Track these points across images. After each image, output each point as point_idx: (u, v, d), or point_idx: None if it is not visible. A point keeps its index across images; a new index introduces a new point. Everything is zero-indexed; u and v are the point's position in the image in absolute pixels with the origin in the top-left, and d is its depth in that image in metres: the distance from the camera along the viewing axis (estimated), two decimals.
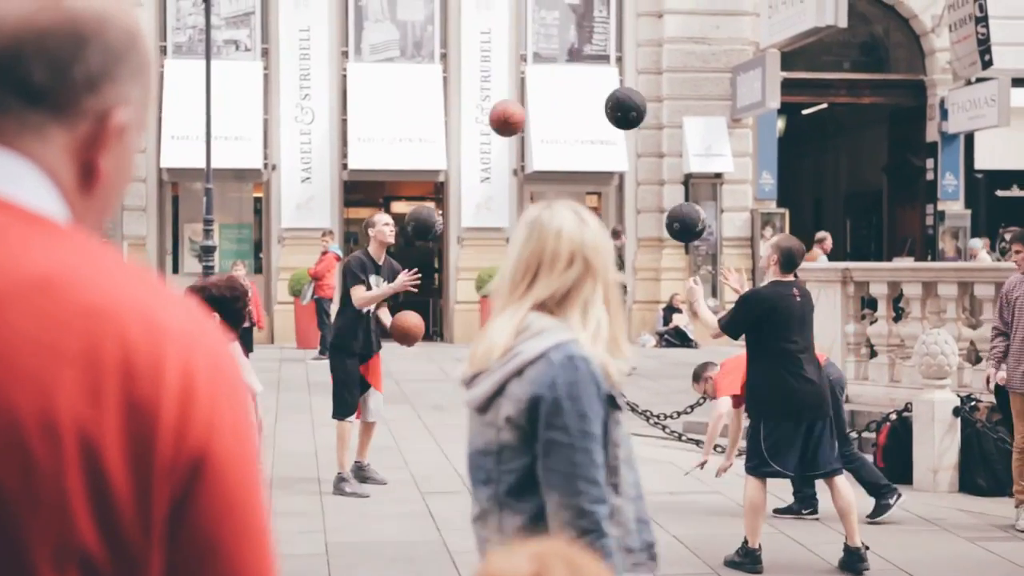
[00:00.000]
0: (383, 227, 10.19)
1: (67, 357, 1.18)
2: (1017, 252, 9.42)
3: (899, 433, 10.78)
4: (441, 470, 10.86)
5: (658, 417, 12.67)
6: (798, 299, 8.17)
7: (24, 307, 1.19)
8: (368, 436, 10.44)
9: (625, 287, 20.34)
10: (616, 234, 21.63)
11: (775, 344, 8.04)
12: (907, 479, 10.57)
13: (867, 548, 8.01)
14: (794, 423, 8.02)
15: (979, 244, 22.13)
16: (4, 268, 1.20)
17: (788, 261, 8.20)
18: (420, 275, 10.15)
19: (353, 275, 10.06)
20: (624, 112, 9.87)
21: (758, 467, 8.11)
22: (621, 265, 20.60)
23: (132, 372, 1.20)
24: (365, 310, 10.05)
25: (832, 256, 25.75)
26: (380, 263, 10.15)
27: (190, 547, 1.23)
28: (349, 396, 10.11)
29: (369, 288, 10.00)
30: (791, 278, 8.25)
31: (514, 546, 1.52)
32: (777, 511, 9.38)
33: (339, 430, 10.16)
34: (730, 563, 8.09)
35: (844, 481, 8.17)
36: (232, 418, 1.26)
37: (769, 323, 8.04)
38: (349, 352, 10.08)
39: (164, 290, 1.28)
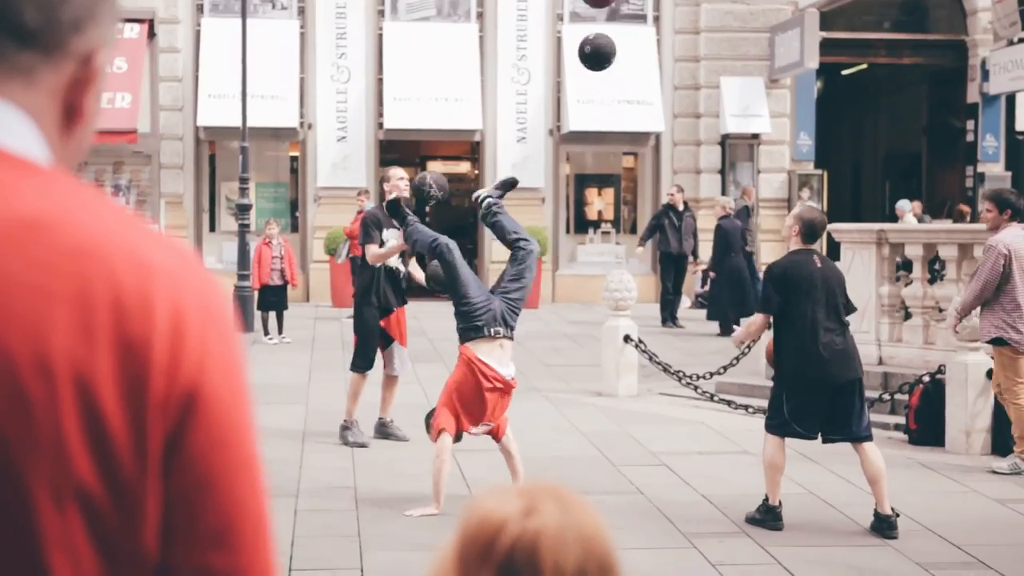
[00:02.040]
0: (398, 181, 10.28)
1: (58, 298, 1.20)
2: (988, 211, 9.86)
3: (932, 395, 10.73)
4: None
5: (690, 378, 12.66)
6: (819, 265, 8.21)
7: (14, 250, 1.21)
8: (391, 391, 10.55)
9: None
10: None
11: (798, 310, 8.08)
12: (940, 441, 10.54)
13: (898, 515, 7.99)
14: (818, 387, 8.02)
15: (907, 206, 21.76)
16: None
17: (810, 232, 8.26)
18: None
19: (366, 232, 10.27)
20: (600, 63, 9.72)
21: (779, 426, 8.13)
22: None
23: (123, 310, 1.22)
24: (380, 264, 10.15)
25: (870, 218, 25.61)
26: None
27: (185, 481, 1.25)
28: (367, 350, 10.31)
29: (382, 244, 10.14)
30: (812, 247, 8.30)
31: (503, 487, 1.53)
32: None
33: (353, 381, 10.41)
34: (751, 520, 8.12)
35: (874, 447, 8.15)
36: (223, 354, 1.28)
37: (793, 291, 8.08)
38: (369, 305, 10.24)
39: (151, 231, 1.30)
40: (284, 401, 12.01)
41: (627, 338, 12.91)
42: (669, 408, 12.44)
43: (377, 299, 10.24)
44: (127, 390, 1.22)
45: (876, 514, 8.01)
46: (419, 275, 10.30)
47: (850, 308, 8.36)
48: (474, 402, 8.23)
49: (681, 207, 19.59)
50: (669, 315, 19.34)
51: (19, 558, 1.20)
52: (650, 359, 12.90)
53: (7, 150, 1.27)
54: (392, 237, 10.17)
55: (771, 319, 8.22)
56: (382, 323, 10.33)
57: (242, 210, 18.52)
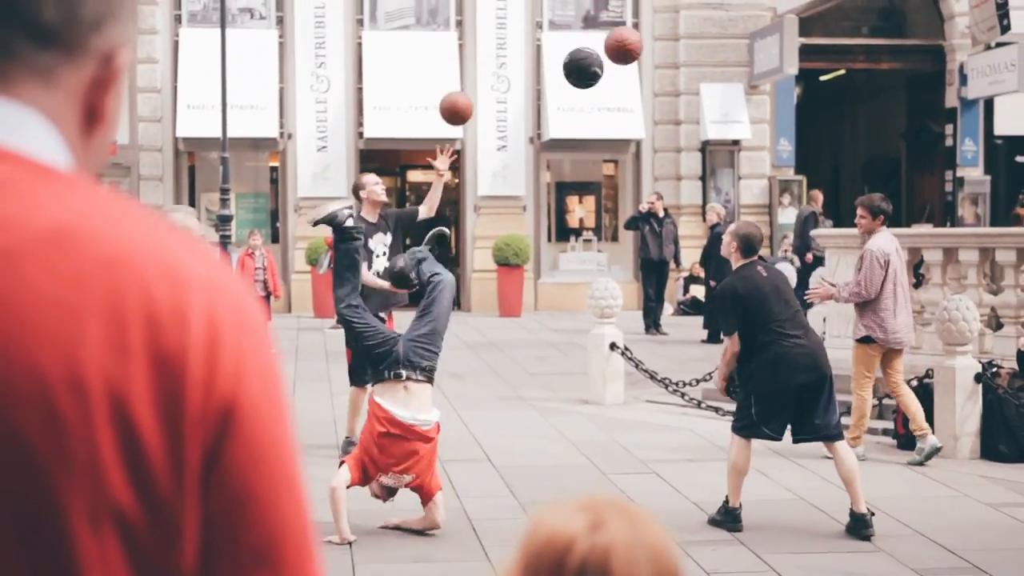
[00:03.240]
0: (374, 187, 10.28)
1: (89, 312, 1.15)
2: (862, 217, 10.24)
3: (920, 399, 10.72)
4: (461, 438, 10.85)
5: (676, 385, 12.64)
6: (765, 275, 8.30)
7: (40, 263, 1.15)
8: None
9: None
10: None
11: (756, 323, 8.15)
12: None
13: (872, 514, 8.01)
14: (786, 389, 8.05)
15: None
16: (15, 223, 1.16)
17: (748, 246, 8.33)
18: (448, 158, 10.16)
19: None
20: (586, 78, 9.49)
21: (745, 428, 8.17)
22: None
23: (156, 323, 1.17)
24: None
25: (849, 223, 25.66)
26: (375, 222, 10.21)
27: (224, 498, 1.20)
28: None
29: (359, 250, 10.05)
30: (753, 260, 8.35)
31: (563, 502, 1.49)
32: None
33: (353, 396, 10.24)
34: (712, 521, 8.18)
35: (846, 447, 8.18)
36: (259, 366, 1.23)
37: (748, 307, 8.15)
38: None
39: (180, 237, 1.24)
40: None
41: (613, 346, 12.88)
42: (656, 415, 12.41)
43: (371, 307, 10.15)
44: (163, 406, 1.17)
45: (852, 514, 8.04)
46: (372, 281, 10.09)
47: (804, 308, 8.51)
48: (373, 447, 7.67)
49: (661, 214, 19.57)
50: (652, 322, 19.32)
51: None
52: (636, 367, 12.87)
53: (27, 156, 1.21)
54: (380, 243, 10.12)
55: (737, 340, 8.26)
56: None
57: (223, 221, 18.45)
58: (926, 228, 21.64)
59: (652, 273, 19.55)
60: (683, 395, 12.55)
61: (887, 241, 10.25)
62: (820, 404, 8.12)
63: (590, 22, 24.07)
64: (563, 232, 24.42)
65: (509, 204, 23.51)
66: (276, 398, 1.24)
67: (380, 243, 10.15)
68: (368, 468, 7.72)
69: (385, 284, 9.83)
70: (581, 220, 24.55)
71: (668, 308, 22.37)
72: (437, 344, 8.15)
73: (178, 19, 23.10)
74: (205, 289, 1.20)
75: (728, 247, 8.44)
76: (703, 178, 23.92)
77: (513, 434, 11.28)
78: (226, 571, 1.21)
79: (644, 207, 19.83)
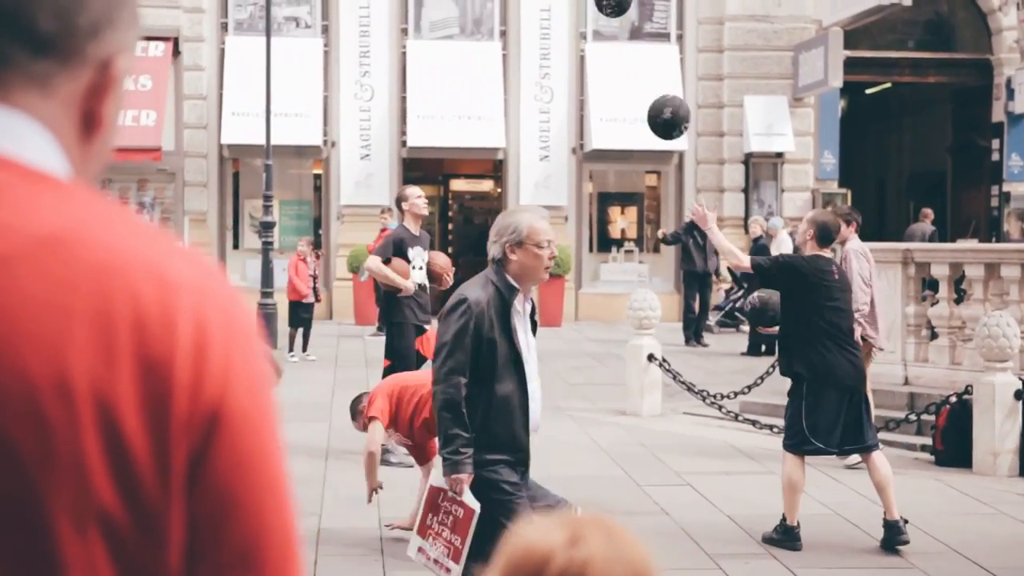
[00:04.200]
0: (416, 200, 10.37)
1: (78, 317, 1.17)
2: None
3: (959, 416, 10.65)
4: None
5: (715, 397, 12.60)
6: (836, 276, 8.21)
7: (33, 268, 1.17)
8: None
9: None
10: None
11: (814, 319, 8.05)
12: (966, 462, 10.44)
13: (906, 521, 7.96)
14: (836, 398, 8.00)
15: (779, 224, 20.89)
16: (11, 228, 1.18)
17: (825, 234, 8.21)
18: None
19: (381, 246, 10.39)
20: (671, 129, 9.59)
21: (798, 445, 8.09)
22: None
23: (145, 329, 1.18)
24: (416, 284, 10.15)
25: (894, 236, 25.47)
26: (417, 235, 10.35)
27: (209, 502, 1.22)
28: (405, 371, 10.18)
29: (387, 261, 10.16)
30: (829, 253, 8.26)
31: (544, 517, 1.49)
32: None
33: None
34: (768, 540, 8.09)
35: (881, 456, 8.14)
36: (247, 371, 1.24)
37: (808, 296, 8.05)
38: (407, 326, 10.22)
39: (174, 245, 1.26)
40: (307, 419, 11.99)
41: (651, 357, 12.85)
42: (693, 427, 12.37)
43: (416, 318, 10.22)
44: (149, 410, 1.18)
45: (885, 522, 8.00)
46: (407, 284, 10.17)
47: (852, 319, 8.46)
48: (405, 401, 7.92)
49: None
50: (692, 334, 19.26)
51: None
52: (674, 378, 12.84)
53: (24, 163, 1.23)
54: (419, 256, 10.22)
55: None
56: (416, 341, 10.31)
57: (265, 228, 18.55)
58: (971, 243, 21.44)
59: (695, 285, 19.50)
60: (720, 407, 12.50)
61: (860, 244, 10.68)
62: (863, 414, 8.10)
63: (634, 33, 24.07)
64: (605, 243, 24.40)
65: (551, 215, 23.29)
66: (263, 403, 1.25)
67: (419, 256, 10.28)
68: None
69: (410, 285, 9.95)
70: (623, 231, 24.52)
71: (710, 320, 22.30)
72: None
73: (224, 27, 23.27)
74: (194, 294, 1.22)
75: (804, 234, 8.30)
76: (746, 190, 23.84)
77: (549, 444, 11.25)
78: (209, 573, 1.22)
79: (690, 218, 19.75)
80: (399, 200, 10.62)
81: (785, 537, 8.03)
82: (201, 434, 1.21)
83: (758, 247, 18.71)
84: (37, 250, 1.18)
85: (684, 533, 8.24)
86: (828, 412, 8.03)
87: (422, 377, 7.94)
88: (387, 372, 10.28)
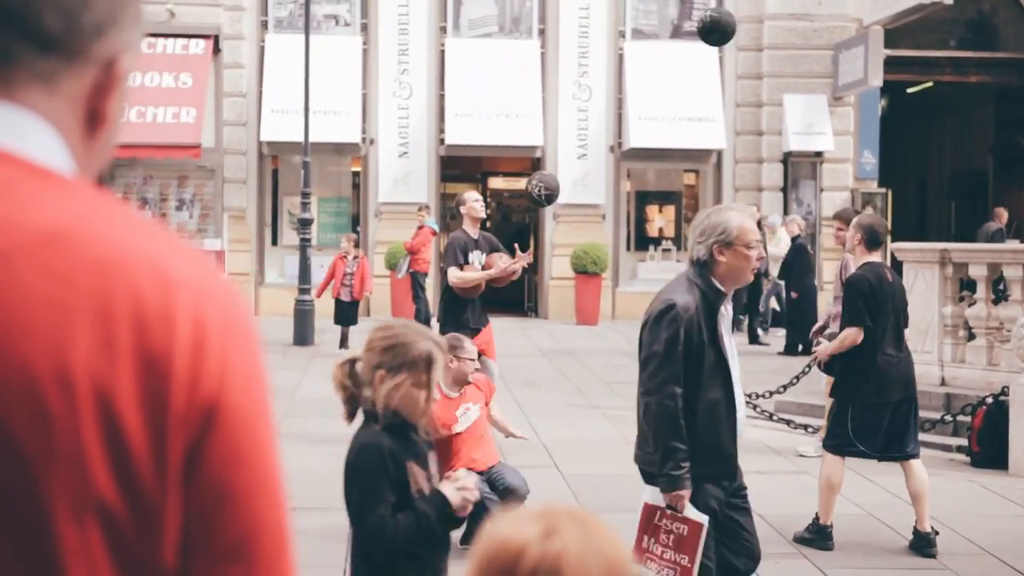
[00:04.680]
0: (473, 203, 10.43)
1: (79, 311, 1.20)
2: (839, 230, 10.59)
3: (995, 417, 10.58)
4: (529, 444, 10.88)
5: (749, 396, 12.56)
6: (890, 279, 8.14)
7: (35, 262, 1.20)
8: None
9: None
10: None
11: (873, 323, 7.99)
12: (1002, 464, 10.37)
13: (937, 533, 7.91)
14: (884, 404, 7.95)
15: (778, 222, 20.91)
16: (14, 223, 1.21)
17: (873, 238, 8.16)
18: (528, 260, 10.35)
19: (450, 255, 10.30)
20: (720, 34, 9.86)
21: (841, 446, 8.05)
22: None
23: (144, 324, 1.21)
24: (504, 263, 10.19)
25: (935, 237, 25.28)
26: (476, 238, 10.39)
27: (204, 495, 1.24)
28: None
29: (463, 265, 10.18)
30: (878, 257, 8.21)
31: (519, 510, 1.50)
32: None
33: None
34: (800, 539, 8.06)
35: (920, 465, 8.08)
36: (244, 367, 1.27)
37: (873, 305, 8.02)
38: (464, 327, 10.22)
39: (175, 241, 1.28)
40: (333, 415, 12.02)
41: None
42: None
43: (470, 320, 10.24)
44: (148, 404, 1.21)
45: (916, 532, 7.97)
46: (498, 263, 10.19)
47: (906, 322, 8.34)
48: None
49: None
50: (751, 337, 19.35)
51: (38, 572, 1.19)
52: None
53: (29, 160, 1.26)
54: (477, 260, 10.27)
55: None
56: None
57: (303, 224, 18.64)
58: (1014, 244, 21.25)
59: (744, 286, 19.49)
60: (755, 407, 12.47)
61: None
62: (909, 423, 8.06)
63: (673, 32, 24.01)
64: (642, 241, 24.37)
65: (588, 212, 23.50)
66: (260, 399, 1.28)
67: (477, 259, 10.36)
68: None
69: (478, 278, 10.01)
70: (660, 229, 24.48)
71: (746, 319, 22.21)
72: None
73: (265, 25, 23.39)
74: (194, 291, 1.24)
75: (852, 240, 8.27)
76: (784, 190, 23.74)
77: (583, 442, 11.29)
78: (203, 565, 1.25)
79: None
80: (457, 204, 10.71)
81: (817, 536, 8.01)
82: (198, 428, 1.23)
83: (795, 247, 18.62)
84: (39, 245, 1.21)
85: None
86: (875, 417, 7.99)
87: None
88: None
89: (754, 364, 16.69)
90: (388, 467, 4.05)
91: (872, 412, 7.99)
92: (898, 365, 8.04)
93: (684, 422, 5.25)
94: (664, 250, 24.14)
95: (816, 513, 8.09)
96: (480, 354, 10.30)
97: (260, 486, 1.27)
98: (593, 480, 9.71)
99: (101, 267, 1.21)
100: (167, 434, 1.22)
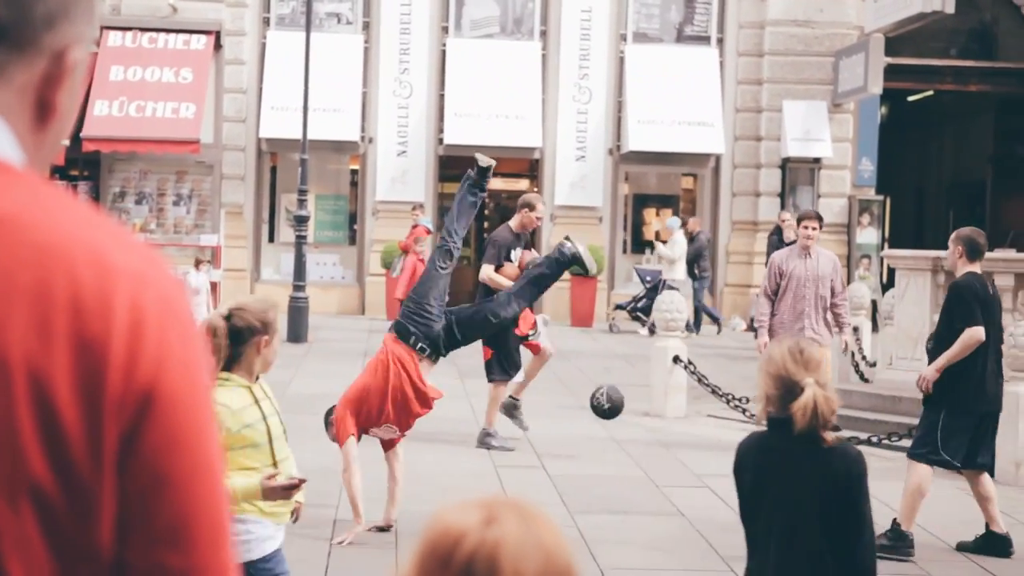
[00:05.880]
0: (537, 216, 10.92)
1: (17, 295, 1.21)
2: (813, 229, 10.81)
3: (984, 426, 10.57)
4: (517, 444, 10.89)
5: (739, 400, 12.57)
6: (991, 291, 8.21)
7: None
8: (538, 368, 11.12)
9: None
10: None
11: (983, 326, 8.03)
12: (989, 472, 10.37)
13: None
14: (974, 417, 8.00)
15: (676, 224, 21.23)
16: None
17: (974, 249, 8.15)
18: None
19: (490, 252, 10.83)
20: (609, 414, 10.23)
21: (927, 455, 8.03)
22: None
23: (82, 309, 1.22)
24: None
25: (932, 245, 25.29)
26: (519, 235, 10.93)
27: (140, 480, 1.25)
28: (512, 355, 10.83)
29: (500, 262, 10.67)
30: (979, 268, 8.19)
31: (464, 501, 1.52)
32: None
33: (496, 392, 10.75)
34: (880, 547, 8.01)
35: (989, 478, 8.17)
36: (182, 354, 1.28)
37: (982, 313, 8.03)
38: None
39: (116, 230, 1.30)
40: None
41: (676, 359, 12.85)
42: (716, 430, 12.35)
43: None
44: (83, 388, 1.22)
45: (991, 533, 8.06)
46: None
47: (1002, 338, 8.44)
48: (385, 400, 8.09)
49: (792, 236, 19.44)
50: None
51: None
52: (699, 380, 12.82)
53: None
54: (516, 258, 10.50)
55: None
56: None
57: (299, 222, 18.66)
58: (1009, 254, 21.23)
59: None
60: (744, 411, 12.46)
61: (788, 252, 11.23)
62: (989, 435, 8.11)
63: (675, 36, 24.03)
64: (639, 244, 24.38)
65: (586, 214, 23.52)
66: (198, 386, 1.29)
67: (517, 257, 10.76)
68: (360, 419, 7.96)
69: (507, 282, 10.24)
70: (657, 233, 24.49)
71: (741, 324, 22.28)
72: (418, 311, 8.28)
73: (266, 22, 23.42)
74: (132, 279, 1.26)
75: (953, 254, 8.24)
76: (782, 195, 23.76)
77: (571, 443, 11.30)
78: (139, 550, 1.26)
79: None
80: (524, 204, 11.05)
81: (898, 543, 7.93)
82: (134, 413, 1.24)
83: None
84: None
85: (699, 535, 8.24)
86: (964, 429, 8.02)
87: (371, 376, 8.11)
88: (488, 363, 10.80)
89: (746, 368, 16.69)
90: None
91: (962, 421, 8.00)
92: (996, 377, 8.14)
93: None
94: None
95: (895, 519, 8.02)
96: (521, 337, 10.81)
97: (197, 472, 1.28)
98: (579, 481, 9.72)
99: (41, 253, 1.22)
100: (103, 418, 1.23)
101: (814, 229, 10.88)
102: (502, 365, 10.80)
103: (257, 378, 4.70)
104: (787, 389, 4.07)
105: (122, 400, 1.23)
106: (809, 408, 4.02)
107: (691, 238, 20.98)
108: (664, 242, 21.25)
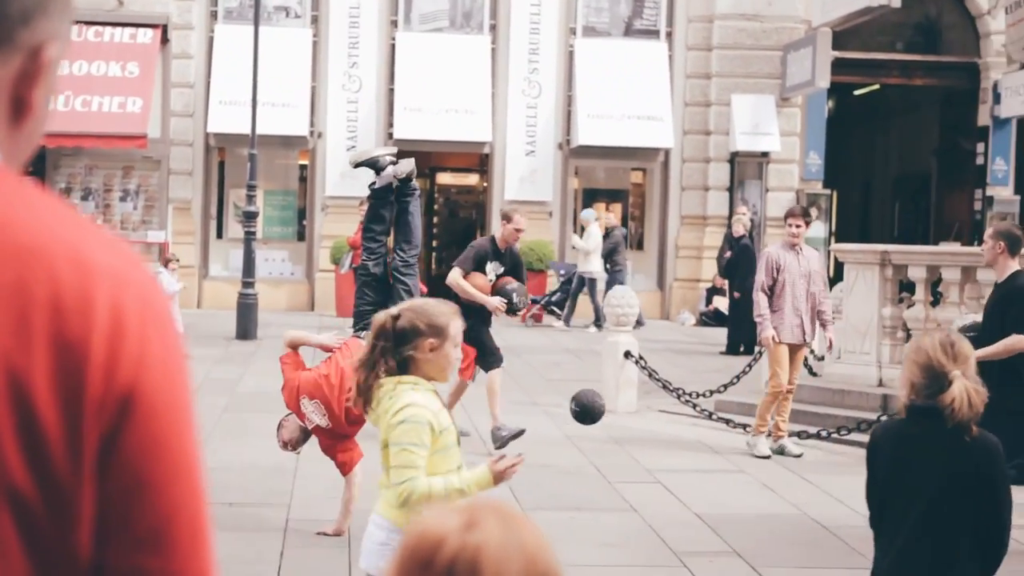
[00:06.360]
0: (517, 229, 10.86)
1: None
2: (798, 227, 10.91)
3: None
4: (469, 441, 10.88)
5: (690, 395, 12.64)
6: None
7: None
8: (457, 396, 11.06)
9: None
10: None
11: None
12: None
13: None
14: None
15: (591, 216, 21.44)
16: None
17: (1015, 244, 8.18)
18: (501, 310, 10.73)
19: (463, 258, 10.76)
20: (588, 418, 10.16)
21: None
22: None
23: (61, 309, 1.21)
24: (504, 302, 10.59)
25: (878, 238, 25.52)
26: (502, 251, 10.82)
27: (120, 482, 1.23)
28: (492, 347, 10.84)
29: (469, 272, 10.60)
30: (1019, 264, 8.20)
31: (444, 506, 1.51)
32: None
33: (493, 382, 10.79)
34: None
35: None
36: (163, 355, 1.26)
37: None
38: (481, 323, 10.59)
39: (96, 231, 1.28)
40: (280, 410, 11.97)
41: (627, 354, 12.89)
42: (667, 425, 12.41)
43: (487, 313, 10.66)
44: (63, 389, 1.20)
45: None
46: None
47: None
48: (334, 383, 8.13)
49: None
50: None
51: None
52: (650, 376, 12.87)
53: None
54: (493, 271, 10.62)
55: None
56: None
57: (249, 217, 18.54)
58: (954, 246, 21.50)
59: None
60: (695, 406, 12.54)
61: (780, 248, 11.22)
62: None
63: (624, 30, 24.08)
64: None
65: (535, 209, 23.51)
66: (178, 387, 1.27)
67: (493, 270, 10.71)
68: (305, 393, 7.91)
69: (477, 297, 10.42)
70: (607, 228, 24.52)
71: (690, 318, 22.39)
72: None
73: (214, 15, 23.24)
74: (112, 279, 1.24)
75: (993, 250, 8.25)
76: (731, 189, 23.88)
77: (522, 439, 11.30)
78: (118, 552, 1.24)
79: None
80: (507, 216, 11.00)
81: None
82: (115, 414, 1.23)
83: (741, 247, 18.73)
84: None
85: (651, 530, 8.27)
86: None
87: (323, 368, 8.13)
88: (477, 361, 10.85)
89: (698, 363, 16.79)
90: None
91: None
92: None
93: None
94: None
95: None
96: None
97: (178, 474, 1.27)
98: (531, 477, 9.71)
99: (20, 253, 1.21)
100: (83, 420, 1.21)
101: (798, 227, 10.96)
102: (487, 360, 10.84)
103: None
104: (934, 379, 4.14)
105: (102, 401, 1.22)
106: (964, 400, 4.08)
107: (606, 233, 20.98)
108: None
